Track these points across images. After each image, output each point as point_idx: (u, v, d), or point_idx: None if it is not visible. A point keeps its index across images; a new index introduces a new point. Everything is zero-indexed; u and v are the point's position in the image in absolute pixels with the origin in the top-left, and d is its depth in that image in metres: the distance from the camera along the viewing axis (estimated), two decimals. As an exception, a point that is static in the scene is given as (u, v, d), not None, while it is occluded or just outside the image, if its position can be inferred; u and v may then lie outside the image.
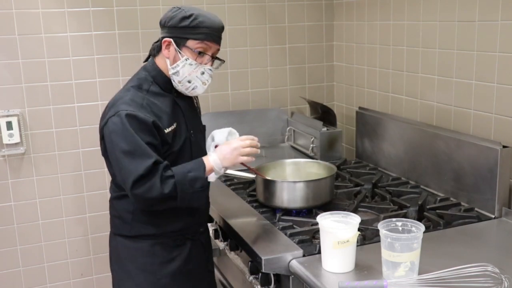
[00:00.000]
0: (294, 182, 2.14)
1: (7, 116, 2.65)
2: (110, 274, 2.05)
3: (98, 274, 2.95)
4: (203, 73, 1.86)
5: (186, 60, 1.82)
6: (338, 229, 1.62)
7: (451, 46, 2.28)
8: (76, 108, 2.77)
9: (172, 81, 1.87)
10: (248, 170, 2.14)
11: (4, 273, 2.80)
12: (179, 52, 1.82)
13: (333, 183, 2.21)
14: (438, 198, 2.22)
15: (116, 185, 1.91)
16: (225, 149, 1.83)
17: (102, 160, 1.90)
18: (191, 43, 1.82)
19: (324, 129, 2.79)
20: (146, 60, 1.96)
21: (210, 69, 1.88)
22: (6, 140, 2.65)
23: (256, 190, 2.26)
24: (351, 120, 3.02)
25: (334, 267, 1.64)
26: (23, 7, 2.61)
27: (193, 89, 1.88)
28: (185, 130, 1.92)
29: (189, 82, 1.86)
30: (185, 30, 1.80)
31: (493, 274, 1.46)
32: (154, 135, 1.77)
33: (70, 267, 2.91)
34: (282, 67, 3.12)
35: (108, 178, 1.95)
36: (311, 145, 2.80)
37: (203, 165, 1.80)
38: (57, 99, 2.73)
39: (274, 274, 1.81)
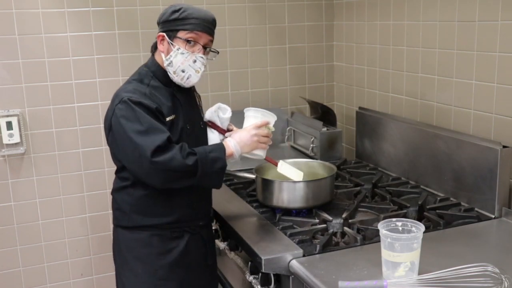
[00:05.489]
0: (294, 182, 2.14)
1: (7, 116, 2.65)
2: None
3: (98, 274, 2.95)
4: (195, 61, 1.90)
5: (178, 49, 1.87)
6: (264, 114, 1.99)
7: (451, 46, 2.27)
8: (76, 108, 2.77)
9: (168, 73, 1.92)
10: (248, 170, 2.15)
11: (4, 273, 2.80)
12: (171, 44, 1.88)
13: (333, 183, 2.21)
14: (438, 198, 2.22)
15: (119, 177, 1.95)
16: (244, 136, 1.92)
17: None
18: (181, 33, 1.88)
19: (324, 129, 2.79)
20: None
21: (202, 57, 1.90)
22: (6, 140, 2.65)
23: (256, 190, 2.26)
24: (351, 120, 3.02)
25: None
26: (23, 7, 2.61)
27: (187, 78, 1.91)
28: (182, 122, 1.94)
29: (183, 71, 1.90)
30: (175, 22, 1.87)
31: (493, 274, 1.46)
32: (159, 119, 1.82)
33: (70, 267, 2.91)
34: (282, 67, 3.12)
35: (108, 178, 1.94)
36: (311, 145, 2.80)
37: (223, 148, 1.88)
38: (57, 99, 2.73)
39: (274, 274, 1.81)
